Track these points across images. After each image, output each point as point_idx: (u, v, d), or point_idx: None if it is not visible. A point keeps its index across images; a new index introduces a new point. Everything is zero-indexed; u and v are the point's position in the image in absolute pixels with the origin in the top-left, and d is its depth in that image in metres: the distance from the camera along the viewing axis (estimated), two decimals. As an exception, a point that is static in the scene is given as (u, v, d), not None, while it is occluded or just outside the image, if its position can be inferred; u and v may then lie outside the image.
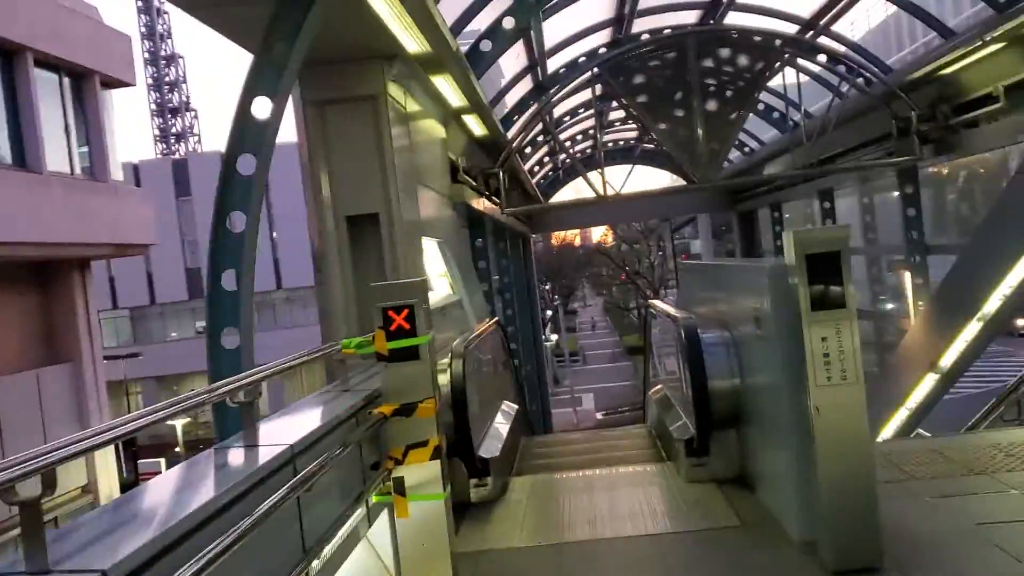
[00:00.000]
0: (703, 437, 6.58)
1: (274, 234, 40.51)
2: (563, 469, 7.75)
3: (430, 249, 8.93)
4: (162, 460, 30.49)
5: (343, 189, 6.81)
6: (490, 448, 7.07)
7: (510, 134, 12.42)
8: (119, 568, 2.12)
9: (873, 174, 14.49)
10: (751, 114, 17.40)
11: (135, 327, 43.11)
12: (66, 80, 15.40)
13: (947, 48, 9.95)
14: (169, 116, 77.38)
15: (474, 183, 11.43)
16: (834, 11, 12.03)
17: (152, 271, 41.08)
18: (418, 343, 4.92)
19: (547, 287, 63.36)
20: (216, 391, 4.04)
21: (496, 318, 9.66)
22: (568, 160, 21.84)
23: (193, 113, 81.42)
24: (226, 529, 2.70)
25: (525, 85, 14.06)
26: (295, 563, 3.42)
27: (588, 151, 24.10)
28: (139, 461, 29.81)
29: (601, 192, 12.96)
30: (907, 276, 13.21)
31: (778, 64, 11.46)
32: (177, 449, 31.56)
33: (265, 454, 3.54)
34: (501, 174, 11.59)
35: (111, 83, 17.02)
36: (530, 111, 12.91)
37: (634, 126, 16.71)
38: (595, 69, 11.89)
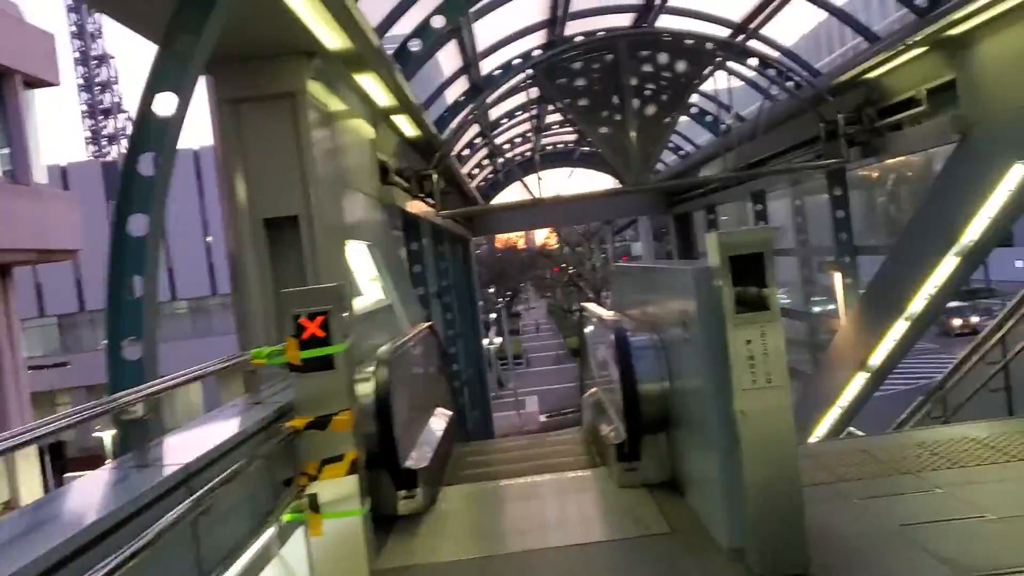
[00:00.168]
0: (634, 442, 6.49)
1: (208, 238, 39.61)
2: (497, 477, 7.58)
3: (359, 253, 8.69)
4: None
5: (260, 191, 6.55)
6: (419, 458, 6.87)
7: (445, 135, 12.23)
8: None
9: (804, 176, 14.66)
10: (686, 117, 17.55)
11: (64, 335, 41.73)
12: (-16, 79, 14.77)
13: (872, 52, 10.08)
14: (101, 117, 75.22)
15: (407, 185, 11.22)
16: (764, 15, 12.12)
17: (81, 277, 39.78)
18: (333, 352, 4.72)
19: (491, 290, 63.23)
20: (111, 404, 3.80)
21: (430, 322, 9.44)
22: (505, 163, 21.78)
23: (126, 114, 79.27)
24: (106, 556, 2.48)
25: (461, 86, 13.90)
26: (191, 587, 3.20)
27: (528, 154, 24.10)
28: (65, 475, 28.76)
29: (537, 195, 12.89)
30: (837, 277, 13.37)
31: (709, 68, 11.49)
32: (108, 462, 30.51)
33: (156, 474, 3.31)
34: (435, 176, 11.41)
35: (34, 83, 16.37)
36: (464, 112, 12.74)
37: (572, 129, 16.64)
38: (529, 71, 11.79)
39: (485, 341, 52.55)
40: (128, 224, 4.88)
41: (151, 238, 4.83)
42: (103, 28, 73.40)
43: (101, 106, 75.17)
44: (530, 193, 12.42)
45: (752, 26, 12.47)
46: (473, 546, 5.85)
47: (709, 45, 11.81)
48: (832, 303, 14.22)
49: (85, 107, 74.96)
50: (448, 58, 13.21)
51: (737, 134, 12.89)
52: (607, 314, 7.58)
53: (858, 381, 12.33)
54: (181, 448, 3.92)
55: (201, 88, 6.19)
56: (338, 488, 4.79)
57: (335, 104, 7.48)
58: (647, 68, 11.23)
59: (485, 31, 12.18)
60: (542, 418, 38.86)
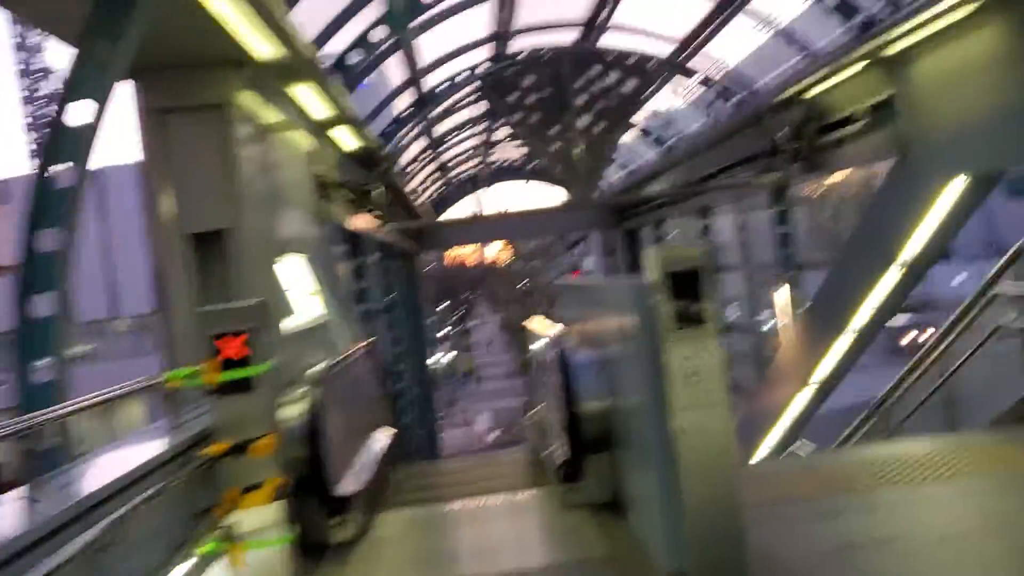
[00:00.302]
0: (576, 461, 6.33)
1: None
2: (438, 501, 7.37)
3: (294, 268, 8.45)
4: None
5: (187, 204, 6.30)
6: (353, 483, 6.62)
7: (389, 149, 12.04)
8: None
9: (749, 192, 14.74)
10: (635, 134, 17.62)
11: (-2, 354, 40.30)
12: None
13: (812, 69, 10.16)
14: (46, 131, 73.34)
15: (349, 199, 11.01)
16: (706, 33, 12.17)
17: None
18: (253, 374, 4.50)
19: (443, 305, 62.86)
20: (14, 428, 3.54)
21: (371, 339, 9.20)
22: (454, 177, 21.64)
23: (68, 128, 77.29)
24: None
25: (407, 99, 13.73)
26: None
27: (478, 168, 23.99)
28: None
29: (485, 211, 12.76)
30: (781, 292, 13.45)
31: (654, 84, 11.50)
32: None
33: (54, 506, 3.06)
34: (378, 190, 11.20)
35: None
36: (409, 126, 12.57)
37: (521, 143, 16.57)
38: (476, 84, 11.68)
39: (434, 358, 52.36)
40: (39, 239, 4.61)
41: (62, 254, 4.56)
42: (45, 41, 71.73)
43: (45, 119, 73.35)
44: (473, 209, 12.27)
45: (695, 44, 12.53)
46: (406, 574, 5.64)
47: (652, 63, 11.82)
48: (776, 318, 14.29)
49: (29, 120, 73.10)
50: (395, 71, 13.05)
51: (683, 150, 12.93)
52: (550, 331, 7.44)
53: (803, 396, 12.38)
54: (87, 477, 3.67)
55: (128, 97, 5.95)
56: (260, 517, 4.55)
57: (269, 115, 7.25)
58: (592, 84, 11.21)
59: (431, 45, 12.05)
60: (492, 435, 38.66)
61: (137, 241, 38.11)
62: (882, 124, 9.54)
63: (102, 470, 3.66)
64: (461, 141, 18.52)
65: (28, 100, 72.52)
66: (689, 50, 12.67)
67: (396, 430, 10.99)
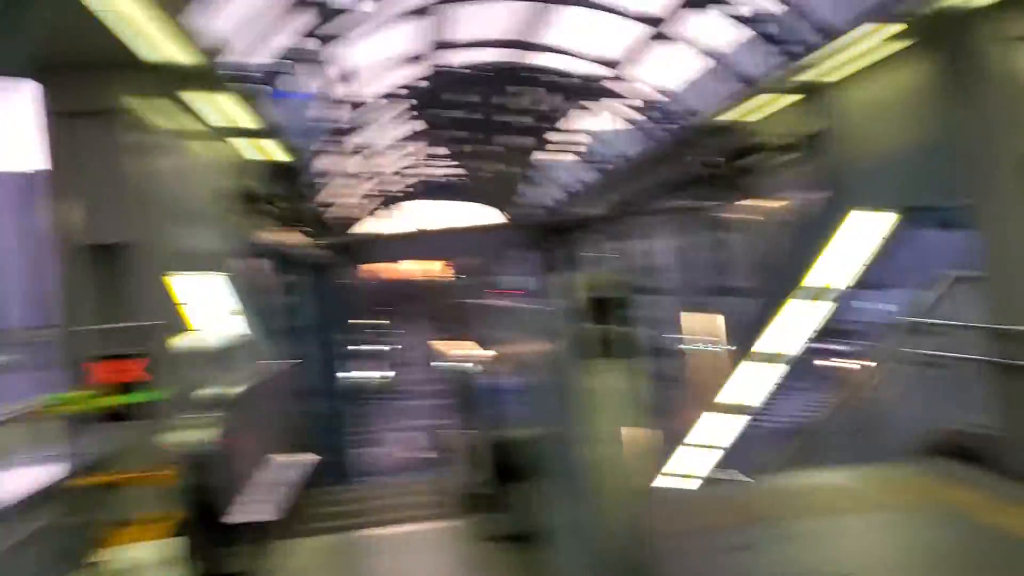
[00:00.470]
0: (496, 491, 6.12)
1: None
2: (349, 528, 7.08)
3: (204, 285, 8.09)
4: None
5: (87, 213, 5.93)
6: (258, 510, 6.31)
7: (315, 162, 11.72)
8: None
9: (679, 216, 14.81)
10: (569, 155, 17.59)
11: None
12: None
13: (745, 97, 10.21)
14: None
15: (270, 212, 10.66)
16: (642, 55, 12.18)
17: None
18: (146, 399, 4.19)
19: (371, 321, 62.01)
20: None
21: (285, 360, 8.86)
22: (384, 192, 21.32)
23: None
24: None
25: (336, 113, 13.42)
26: None
27: (412, 184, 23.70)
28: None
29: (416, 227, 12.59)
30: (709, 317, 13.50)
31: (586, 106, 11.45)
32: None
33: None
34: (302, 204, 10.88)
35: None
36: (336, 140, 12.28)
37: (453, 162, 16.38)
38: (405, 99, 11.47)
39: (360, 375, 51.52)
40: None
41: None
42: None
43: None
44: (402, 225, 12.04)
45: (630, 67, 12.53)
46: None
47: (587, 83, 11.79)
48: (704, 342, 14.35)
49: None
50: (323, 84, 12.76)
51: (615, 173, 12.91)
52: (471, 354, 7.25)
53: (726, 421, 12.40)
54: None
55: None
56: (150, 551, 4.24)
57: (182, 124, 6.92)
58: (523, 103, 11.11)
59: (362, 58, 11.76)
60: (420, 454, 38.06)
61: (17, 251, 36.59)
62: (812, 154, 9.63)
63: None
64: (391, 157, 18.23)
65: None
66: (624, 72, 12.65)
67: (311, 453, 10.65)
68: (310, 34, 8.78)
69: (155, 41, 5.56)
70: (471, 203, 22.43)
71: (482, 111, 11.31)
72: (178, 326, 6.15)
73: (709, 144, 11.06)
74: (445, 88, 11.34)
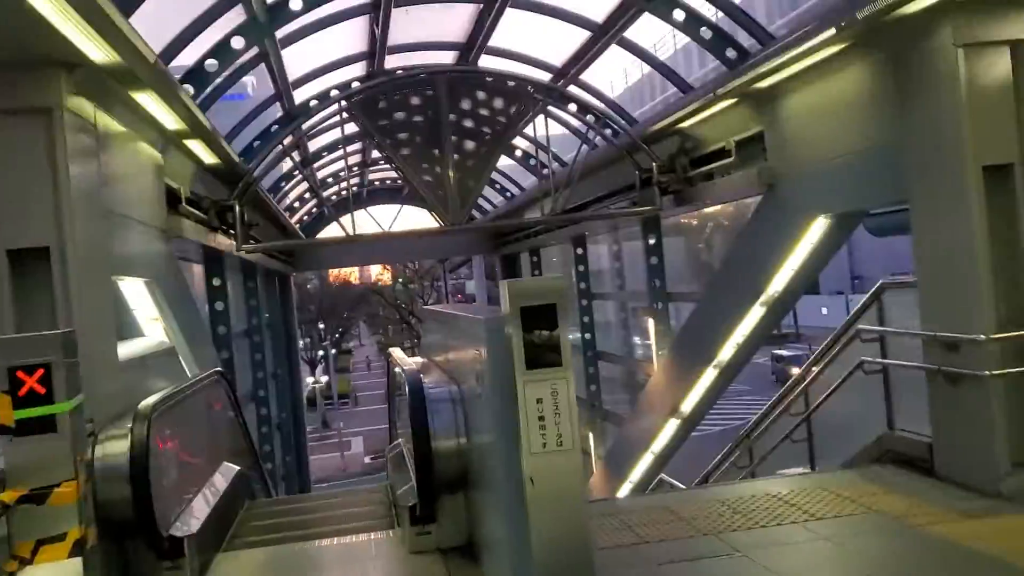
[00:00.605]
0: (427, 503, 5.97)
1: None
2: (285, 540, 6.88)
3: (136, 291, 7.81)
4: None
5: (4, 216, 5.65)
6: (187, 523, 6.07)
7: (252, 165, 11.43)
8: None
9: (622, 223, 14.83)
10: (512, 161, 17.51)
11: None
12: None
13: (684, 102, 10.22)
14: None
15: (206, 216, 10.36)
16: (583, 61, 12.16)
17: None
18: (55, 412, 3.97)
19: (321, 326, 61.35)
20: None
21: (218, 368, 8.58)
22: (330, 197, 21.01)
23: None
24: None
25: (275, 114, 13.15)
26: None
27: (355, 188, 23.40)
28: None
29: (356, 231, 12.36)
30: (651, 322, 13.51)
31: (531, 111, 11.35)
32: None
33: None
34: (238, 207, 10.58)
35: None
36: (278, 143, 11.99)
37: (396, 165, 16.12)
38: (343, 103, 11.24)
39: (310, 380, 50.93)
40: None
41: None
42: None
43: None
44: (345, 230, 11.82)
45: (573, 72, 12.50)
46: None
47: (530, 88, 11.71)
48: (647, 348, 14.37)
49: None
50: (265, 84, 12.50)
51: (558, 179, 12.84)
52: (408, 361, 7.09)
53: (670, 427, 12.42)
54: None
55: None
56: (58, 572, 4.01)
57: (107, 124, 6.65)
58: (467, 107, 10.97)
59: (299, 58, 11.52)
60: (367, 459, 37.72)
61: None
62: (751, 159, 9.67)
63: None
64: (337, 160, 17.94)
65: None
66: (567, 78, 12.63)
67: (253, 461, 10.37)
68: (244, 33, 8.52)
69: (74, 37, 5.30)
70: (417, 208, 22.25)
71: (426, 114, 11.12)
72: (101, 333, 5.89)
73: (651, 149, 11.05)
74: (387, 90, 11.13)
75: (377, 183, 23.62)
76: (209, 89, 9.34)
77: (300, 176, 17.50)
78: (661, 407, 12.47)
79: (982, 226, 6.18)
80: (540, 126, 11.77)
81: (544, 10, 11.02)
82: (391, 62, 12.37)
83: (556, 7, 11.02)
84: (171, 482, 6.12)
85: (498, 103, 11.26)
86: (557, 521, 4.31)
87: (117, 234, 6.77)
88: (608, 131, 12.19)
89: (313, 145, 16.13)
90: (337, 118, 11.38)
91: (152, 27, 7.90)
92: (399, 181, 23.29)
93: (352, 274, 73.96)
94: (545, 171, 13.49)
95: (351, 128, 11.98)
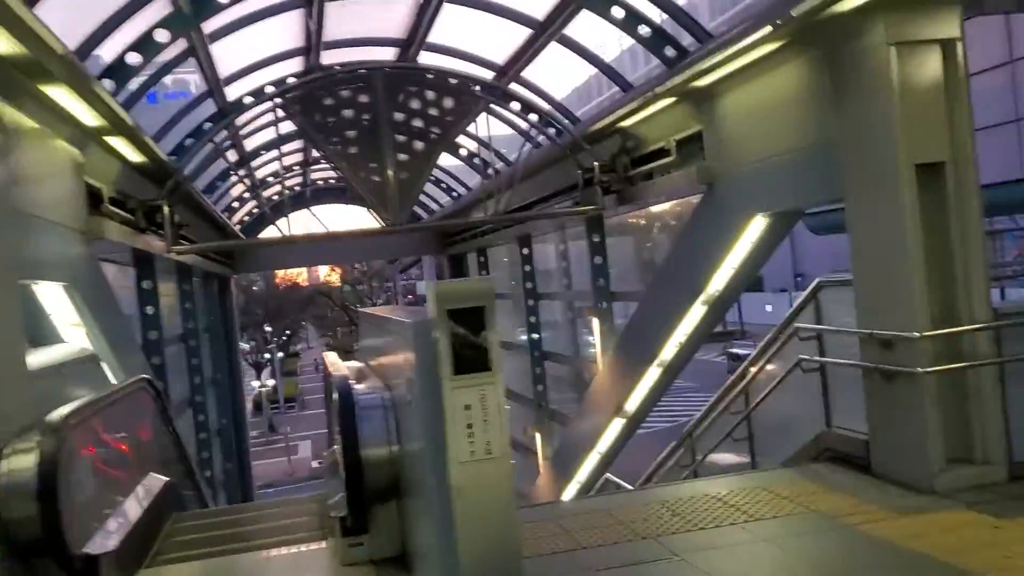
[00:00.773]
0: (358, 513, 5.76)
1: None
2: (212, 555, 6.61)
3: (50, 294, 7.46)
4: None
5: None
6: (103, 540, 5.77)
7: (183, 163, 11.08)
8: None
9: (568, 222, 14.73)
10: (459, 160, 17.33)
11: None
12: None
13: (625, 101, 10.15)
14: None
15: (132, 217, 10.00)
16: (525, 58, 12.01)
17: None
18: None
19: (268, 329, 60.39)
20: None
21: (144, 376, 8.24)
22: (273, 195, 20.56)
23: None
24: None
25: (208, 111, 12.76)
26: None
27: (297, 187, 22.97)
28: None
29: (287, 233, 12.10)
30: (595, 322, 13.44)
31: (473, 109, 11.19)
32: None
33: None
34: (167, 207, 10.22)
35: None
36: (212, 141, 11.64)
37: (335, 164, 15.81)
38: (276, 100, 10.96)
39: (256, 384, 50.10)
40: None
41: None
42: None
43: None
44: (280, 231, 11.54)
45: (515, 70, 12.35)
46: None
47: (472, 86, 11.55)
48: (591, 347, 14.30)
49: None
50: (197, 80, 12.13)
51: (502, 178, 12.71)
52: (340, 366, 6.86)
53: (615, 427, 12.35)
54: None
55: None
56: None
57: (16, 120, 6.30)
58: (408, 105, 10.75)
59: (232, 53, 11.18)
60: (315, 464, 37.22)
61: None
62: (691, 158, 9.63)
63: None
64: (276, 158, 17.52)
65: None
66: (509, 76, 12.47)
67: (185, 471, 10.03)
68: (169, 25, 8.19)
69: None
70: (360, 208, 21.94)
71: (364, 112, 10.88)
72: (6, 340, 5.57)
73: (593, 149, 10.96)
74: (324, 87, 10.87)
75: (320, 183, 23.22)
76: (135, 85, 9.00)
77: (238, 176, 17.08)
78: (606, 406, 12.40)
79: (915, 224, 6.18)
80: (484, 125, 11.63)
81: (484, 6, 10.85)
82: (328, 58, 12.08)
83: (495, 3, 10.86)
84: (86, 497, 5.82)
85: (439, 101, 11.07)
86: (486, 532, 4.16)
87: (27, 236, 6.42)
88: (551, 130, 12.09)
89: (252, 143, 15.76)
90: (275, 116, 11.09)
91: (72, 18, 7.58)
92: (341, 181, 22.96)
93: (300, 275, 73.03)
94: (489, 171, 13.35)
95: (289, 126, 11.71)
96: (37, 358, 6.36)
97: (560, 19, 10.53)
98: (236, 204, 20.71)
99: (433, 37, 11.90)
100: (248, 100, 12.22)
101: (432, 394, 4.23)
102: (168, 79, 11.36)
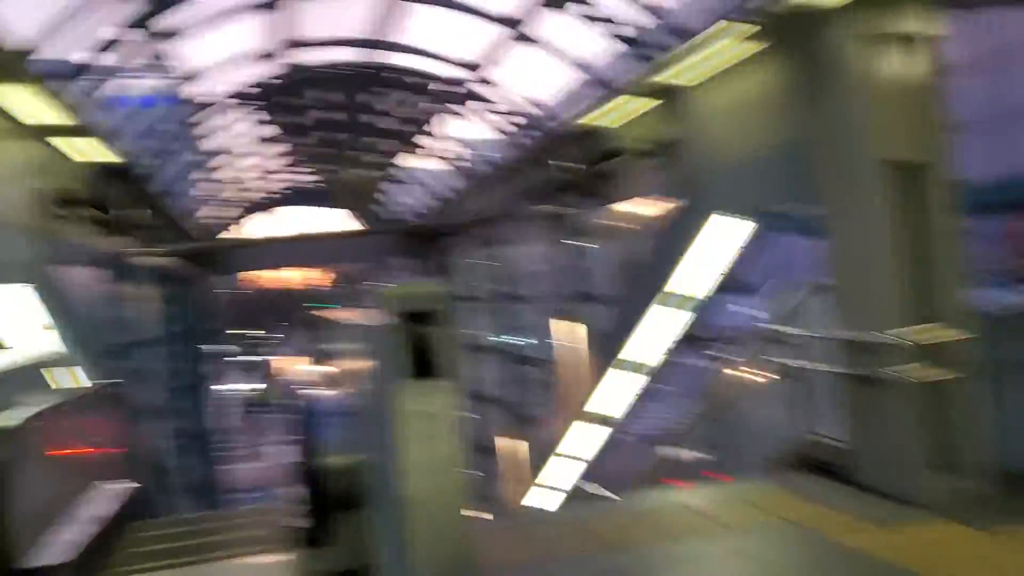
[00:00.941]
0: (317, 524, 5.55)
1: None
2: (170, 566, 6.39)
3: (15, 296, 7.22)
4: None
5: None
6: (51, 552, 5.55)
7: (151, 163, 10.85)
8: None
9: (545, 224, 14.56)
10: (439, 160, 17.14)
11: None
12: None
13: (600, 101, 10.01)
14: None
15: (101, 218, 9.75)
16: (496, 58, 11.83)
17: None
18: None
19: (250, 331, 59.93)
20: None
21: (106, 380, 7.99)
22: (246, 197, 20.32)
23: None
24: None
25: (178, 111, 12.51)
26: None
27: (272, 190, 22.71)
28: None
29: (278, 233, 11.91)
30: (572, 325, 13.29)
31: (443, 109, 11.04)
32: None
33: None
34: (133, 210, 9.99)
35: None
36: (179, 141, 11.41)
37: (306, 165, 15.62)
38: (253, 99, 10.76)
39: (229, 387, 49.64)
40: None
41: None
42: None
43: None
44: (250, 233, 11.31)
45: (486, 70, 12.16)
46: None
47: (444, 85, 11.39)
48: (572, 350, 14.13)
49: None
50: (164, 82, 11.87)
51: (483, 179, 12.55)
52: (304, 370, 6.66)
53: (592, 432, 12.19)
54: None
55: None
56: None
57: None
58: (376, 105, 10.59)
59: (198, 53, 10.95)
60: (282, 473, 36.78)
61: None
62: (668, 159, 9.49)
63: None
64: (250, 161, 17.30)
65: None
66: (482, 77, 12.28)
67: (150, 478, 9.79)
68: (141, 25, 7.96)
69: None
70: (337, 209, 21.70)
71: (343, 113, 10.71)
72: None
73: (569, 150, 10.81)
74: (301, 88, 10.67)
75: (298, 184, 22.92)
76: (96, 84, 8.77)
77: (208, 177, 16.83)
78: (579, 410, 12.24)
79: (891, 225, 6.02)
80: (462, 126, 11.47)
81: (457, 5, 10.66)
82: (300, 59, 11.85)
83: (470, 4, 10.68)
84: (34, 507, 5.59)
85: (408, 101, 10.92)
86: (439, 544, 3.99)
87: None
88: (529, 131, 11.94)
89: (220, 144, 15.50)
90: (251, 118, 10.90)
91: (26, 15, 7.34)
92: (319, 182, 22.73)
93: (282, 278, 72.54)
94: (468, 172, 13.19)
95: (267, 128, 11.53)
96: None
97: (536, 17, 10.37)
98: (206, 206, 20.40)
99: (404, 38, 11.70)
100: (213, 100, 11.98)
101: (385, 402, 4.05)
102: (144, 81, 11.14)
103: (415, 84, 10.86)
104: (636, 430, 12.33)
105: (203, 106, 11.89)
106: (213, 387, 21.06)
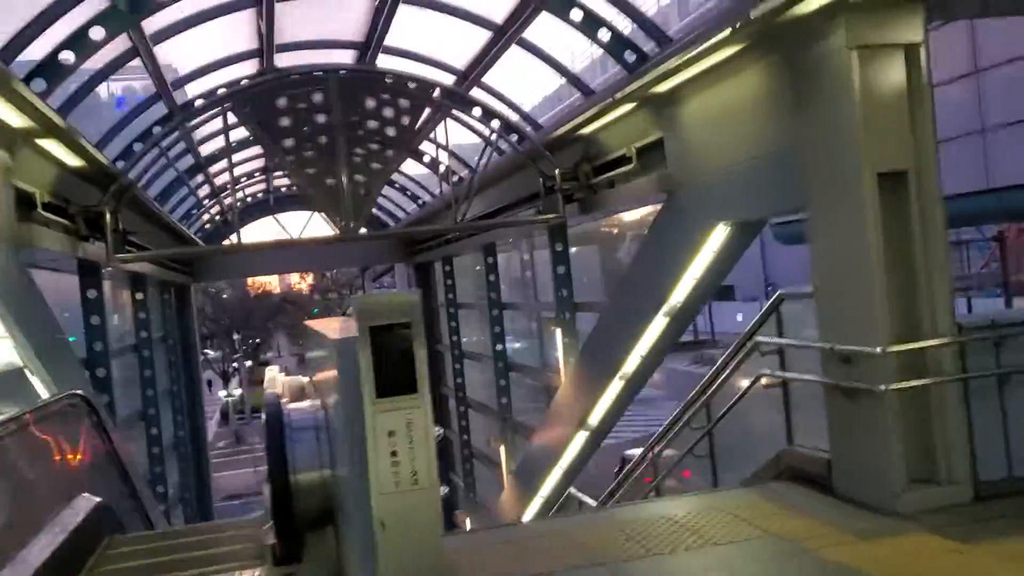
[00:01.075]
0: (288, 541, 5.40)
1: None
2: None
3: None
4: None
5: None
6: (15, 569, 5.38)
7: (128, 167, 10.67)
8: None
9: (533, 231, 14.47)
10: (423, 166, 17.01)
11: None
12: None
13: (585, 107, 9.89)
14: None
15: (72, 224, 9.57)
16: (485, 63, 11.72)
17: None
18: None
19: (236, 337, 59.54)
20: None
21: (75, 391, 7.81)
22: (233, 202, 20.09)
23: None
24: None
25: (158, 114, 12.34)
26: None
27: (259, 195, 22.53)
28: None
29: (246, 241, 11.75)
30: (558, 333, 13.15)
31: (433, 115, 10.91)
32: None
33: None
34: (108, 214, 9.80)
35: None
36: (161, 144, 11.23)
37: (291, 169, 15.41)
38: (227, 103, 10.60)
39: (223, 394, 49.31)
40: None
41: None
42: None
43: None
44: (238, 238, 11.16)
45: (475, 75, 12.05)
46: None
47: (432, 90, 11.26)
48: (558, 359, 14.01)
49: None
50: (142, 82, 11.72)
51: (465, 186, 12.41)
52: (276, 382, 6.50)
53: (578, 440, 12.06)
54: None
55: None
56: None
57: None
58: (365, 110, 10.43)
59: (182, 55, 10.81)
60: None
61: None
62: (652, 166, 9.39)
63: None
64: (234, 164, 17.08)
65: None
66: (469, 80, 12.17)
67: (127, 490, 9.58)
68: (104, 22, 7.79)
69: None
70: (319, 214, 21.52)
71: (320, 117, 10.55)
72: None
73: (555, 156, 10.69)
74: (277, 90, 10.52)
75: (283, 189, 22.77)
76: (74, 85, 8.60)
77: (194, 182, 16.64)
78: (569, 419, 12.11)
79: (877, 235, 5.91)
80: (447, 132, 11.34)
81: (442, 8, 10.54)
82: (283, 60, 11.71)
83: (454, 6, 10.56)
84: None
85: (397, 105, 10.76)
86: (411, 567, 3.82)
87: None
88: (513, 137, 11.82)
89: (209, 148, 15.35)
90: (230, 120, 10.72)
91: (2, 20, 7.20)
92: (299, 187, 22.51)
93: (269, 283, 72.20)
94: (452, 178, 13.06)
95: (247, 131, 11.36)
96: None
97: (520, 22, 10.26)
98: (194, 211, 20.21)
99: (392, 40, 11.58)
100: (198, 103, 11.82)
101: (354, 418, 3.90)
102: (137, 84, 10.98)
103: (404, 88, 10.72)
104: (624, 436, 12.19)
105: (188, 107, 11.72)
106: (193, 395, 20.79)
